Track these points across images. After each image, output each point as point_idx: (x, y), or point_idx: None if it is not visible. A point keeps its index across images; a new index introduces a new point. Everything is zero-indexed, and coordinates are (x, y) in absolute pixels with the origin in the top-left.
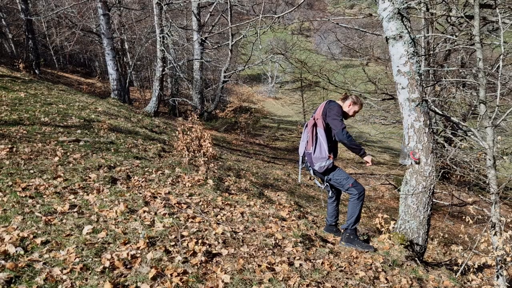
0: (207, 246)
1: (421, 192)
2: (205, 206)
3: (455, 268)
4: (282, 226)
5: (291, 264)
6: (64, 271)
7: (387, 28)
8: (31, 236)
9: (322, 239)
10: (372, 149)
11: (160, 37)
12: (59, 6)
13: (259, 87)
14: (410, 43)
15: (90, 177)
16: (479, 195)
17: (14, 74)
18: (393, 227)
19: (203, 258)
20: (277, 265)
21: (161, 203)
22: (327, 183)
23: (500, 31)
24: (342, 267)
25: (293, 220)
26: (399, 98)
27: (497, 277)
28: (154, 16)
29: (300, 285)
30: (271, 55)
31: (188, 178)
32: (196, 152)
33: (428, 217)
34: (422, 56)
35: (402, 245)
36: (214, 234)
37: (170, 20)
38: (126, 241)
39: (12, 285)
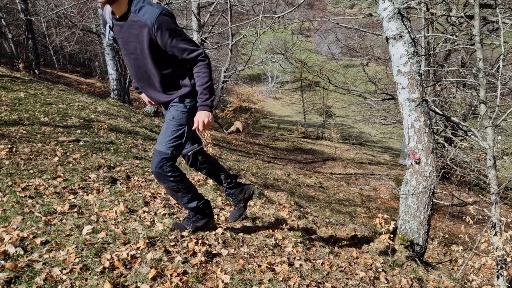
0: (207, 246)
1: (422, 192)
2: None
3: (455, 268)
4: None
5: (291, 264)
6: (64, 271)
7: (387, 28)
8: (31, 236)
9: (322, 239)
10: (372, 149)
11: None
12: (59, 6)
13: (259, 87)
14: (410, 43)
15: (90, 177)
16: (479, 195)
17: (14, 74)
18: (393, 227)
19: (203, 258)
20: (277, 265)
21: (161, 203)
22: None
23: (500, 31)
24: (342, 267)
25: (293, 220)
26: (399, 98)
27: (497, 277)
28: None
29: (300, 285)
30: (271, 55)
31: (188, 178)
32: None
33: (428, 217)
34: (422, 56)
35: (402, 245)
36: (214, 234)
37: None
38: (126, 241)
39: (12, 285)
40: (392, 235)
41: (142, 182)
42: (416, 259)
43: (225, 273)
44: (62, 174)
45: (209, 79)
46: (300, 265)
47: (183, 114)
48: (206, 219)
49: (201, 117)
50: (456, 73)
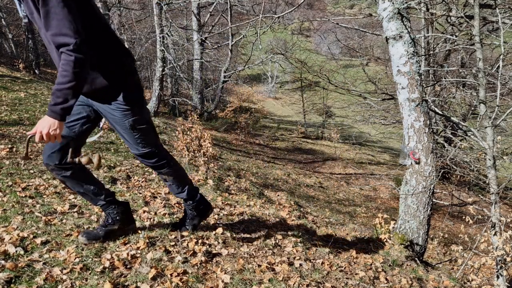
0: (207, 246)
1: (421, 192)
2: None
3: (455, 268)
4: None
5: (291, 264)
6: (64, 271)
7: (387, 28)
8: (31, 236)
9: (322, 239)
10: (372, 149)
11: (160, 37)
12: None
13: (259, 87)
14: (410, 43)
15: None
16: (479, 195)
17: (14, 74)
18: (393, 227)
19: (203, 258)
20: (277, 265)
21: (161, 203)
22: None
23: (500, 31)
24: (342, 267)
25: (293, 220)
26: (399, 98)
27: (497, 277)
28: (154, 16)
29: (300, 285)
30: (271, 55)
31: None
32: (196, 152)
33: (428, 217)
34: (422, 56)
35: (402, 245)
36: (214, 234)
37: (170, 20)
38: (126, 241)
39: (12, 285)
40: (391, 235)
41: (142, 182)
42: (416, 259)
43: (225, 273)
44: None
45: (68, 80)
46: (300, 265)
47: (136, 115)
48: (199, 217)
49: (42, 125)
50: (456, 73)
